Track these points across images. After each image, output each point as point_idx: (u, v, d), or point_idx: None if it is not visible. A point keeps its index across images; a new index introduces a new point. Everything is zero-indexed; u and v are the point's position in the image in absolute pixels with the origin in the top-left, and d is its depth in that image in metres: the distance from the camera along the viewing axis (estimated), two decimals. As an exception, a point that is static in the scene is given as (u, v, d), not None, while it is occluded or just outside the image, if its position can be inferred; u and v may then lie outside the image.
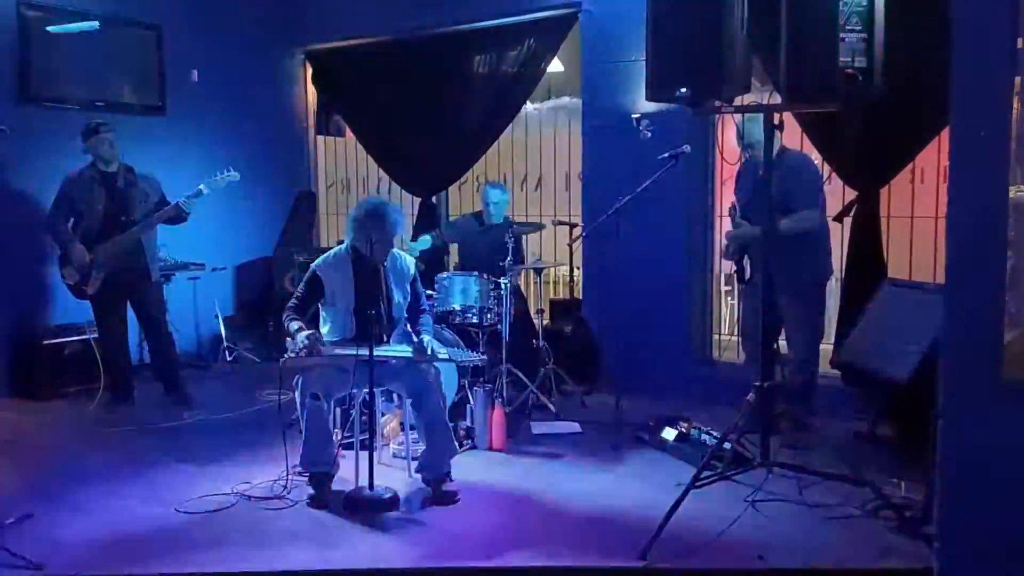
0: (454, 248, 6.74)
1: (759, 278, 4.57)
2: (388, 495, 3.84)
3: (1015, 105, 2.63)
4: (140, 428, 5.09)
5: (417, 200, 7.27)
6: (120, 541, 3.51)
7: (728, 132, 5.21)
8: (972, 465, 2.72)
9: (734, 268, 4.87)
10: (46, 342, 5.81)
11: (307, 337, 3.93)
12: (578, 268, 6.33)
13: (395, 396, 4.42)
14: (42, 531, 3.57)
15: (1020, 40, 2.63)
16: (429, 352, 4.01)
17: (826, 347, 5.06)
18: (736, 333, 5.62)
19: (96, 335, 5.70)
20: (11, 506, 3.74)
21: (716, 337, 6.14)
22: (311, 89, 7.90)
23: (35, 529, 3.59)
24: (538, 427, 5.04)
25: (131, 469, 4.35)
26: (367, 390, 3.92)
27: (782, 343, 4.80)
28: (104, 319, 5.53)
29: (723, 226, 5.17)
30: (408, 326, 4.33)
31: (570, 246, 5.81)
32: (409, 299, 4.30)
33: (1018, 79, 2.65)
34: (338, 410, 4.41)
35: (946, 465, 2.78)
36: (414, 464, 4.14)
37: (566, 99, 7.86)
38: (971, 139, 2.67)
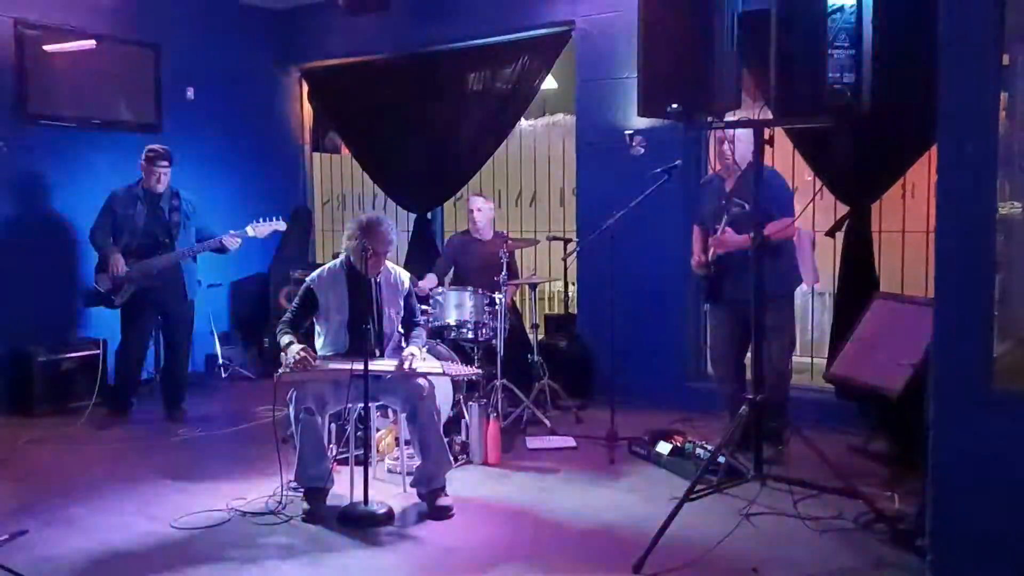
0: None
1: (727, 298, 4.58)
2: (383, 510, 3.84)
3: (1002, 121, 2.66)
4: (135, 444, 5.10)
5: (413, 217, 7.30)
6: (115, 557, 3.51)
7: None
8: (963, 475, 2.74)
9: (705, 280, 4.68)
10: (41, 359, 5.80)
11: (297, 352, 3.94)
12: (572, 283, 6.36)
13: (390, 411, 4.42)
14: (37, 547, 3.57)
15: (1006, 56, 2.67)
16: (407, 363, 3.95)
17: (820, 361, 5.06)
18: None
19: (111, 347, 5.79)
20: (6, 522, 3.75)
21: (709, 351, 6.14)
22: (307, 106, 7.95)
23: (30, 545, 3.59)
24: (533, 442, 5.05)
25: (126, 485, 4.35)
26: (362, 404, 3.93)
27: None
28: (130, 330, 5.60)
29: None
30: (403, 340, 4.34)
31: (564, 261, 5.83)
32: (403, 313, 4.32)
33: (1004, 95, 2.69)
34: (333, 425, 4.41)
35: (937, 476, 2.80)
36: (409, 479, 4.14)
37: (560, 116, 7.91)
38: (958, 155, 2.70)
